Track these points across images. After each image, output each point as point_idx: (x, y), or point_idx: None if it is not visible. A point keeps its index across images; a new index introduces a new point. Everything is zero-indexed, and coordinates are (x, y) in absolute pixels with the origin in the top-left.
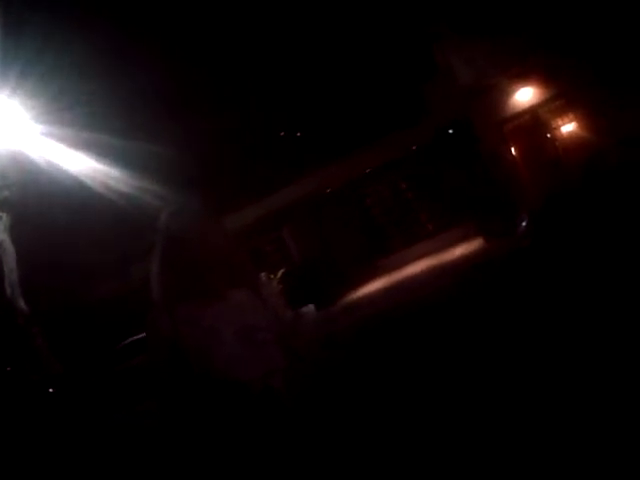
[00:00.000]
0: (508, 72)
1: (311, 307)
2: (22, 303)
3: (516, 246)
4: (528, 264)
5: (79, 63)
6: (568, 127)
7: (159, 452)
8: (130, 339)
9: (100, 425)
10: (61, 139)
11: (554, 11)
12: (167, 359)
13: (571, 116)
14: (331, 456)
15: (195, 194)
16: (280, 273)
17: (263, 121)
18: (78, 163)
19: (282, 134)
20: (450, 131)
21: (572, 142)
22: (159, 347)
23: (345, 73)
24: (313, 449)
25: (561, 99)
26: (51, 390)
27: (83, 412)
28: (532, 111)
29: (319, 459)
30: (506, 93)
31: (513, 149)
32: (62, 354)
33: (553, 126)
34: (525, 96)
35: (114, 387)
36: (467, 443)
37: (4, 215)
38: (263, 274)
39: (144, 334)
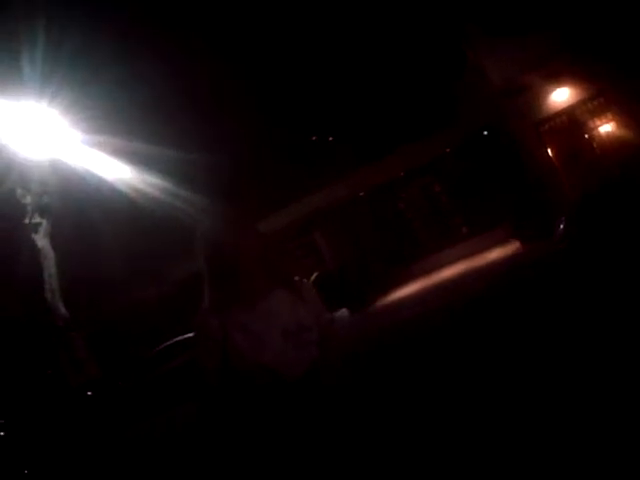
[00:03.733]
0: (542, 72)
1: (344, 311)
2: (62, 307)
3: (553, 250)
4: (565, 268)
5: (118, 72)
6: (606, 127)
7: (198, 454)
8: (168, 342)
9: (138, 428)
10: (100, 147)
11: (588, 8)
12: (216, 363)
13: (609, 116)
14: (363, 455)
15: (231, 200)
16: (313, 277)
17: (295, 126)
18: (116, 170)
19: (314, 139)
20: (485, 133)
21: (610, 143)
22: (208, 351)
23: (377, 77)
24: (348, 449)
25: (598, 99)
26: (89, 393)
27: (121, 415)
28: (569, 112)
29: (353, 458)
30: (541, 93)
31: (550, 151)
32: (101, 358)
33: (591, 127)
34: (561, 96)
35: (153, 390)
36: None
37: (44, 221)
38: (297, 277)
39: (181, 337)
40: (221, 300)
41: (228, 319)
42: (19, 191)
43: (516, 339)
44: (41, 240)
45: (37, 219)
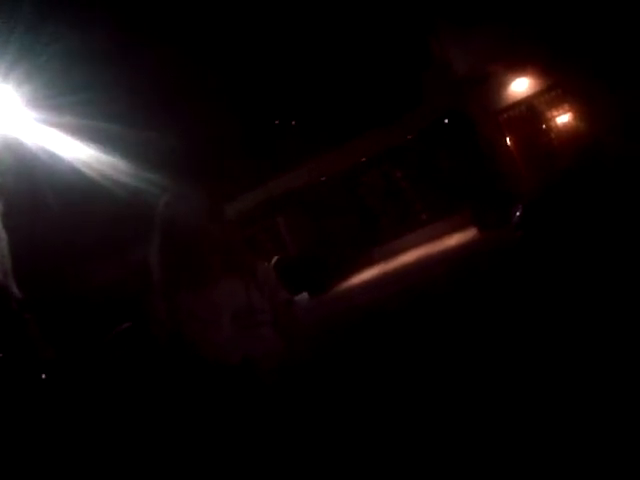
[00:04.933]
0: (504, 62)
1: (304, 295)
2: (15, 289)
3: (509, 237)
4: (520, 255)
5: (75, 48)
6: (563, 118)
7: (155, 437)
8: (126, 325)
9: (94, 410)
10: (56, 125)
11: (550, 1)
12: (164, 344)
13: (566, 107)
14: (314, 438)
15: (193, 181)
16: (273, 261)
17: (258, 109)
18: (73, 150)
19: (277, 122)
20: (446, 121)
21: (567, 133)
22: (156, 333)
23: (341, 62)
24: (299, 429)
25: (556, 90)
26: (43, 376)
27: (76, 398)
28: (528, 102)
29: (303, 441)
30: (502, 83)
31: (508, 139)
32: (56, 340)
33: (548, 117)
34: (521, 86)
35: (109, 372)
36: (459, 442)
37: None
38: (258, 260)
39: (141, 319)
40: (171, 282)
41: (176, 302)
42: None
43: (469, 323)
44: None
45: None
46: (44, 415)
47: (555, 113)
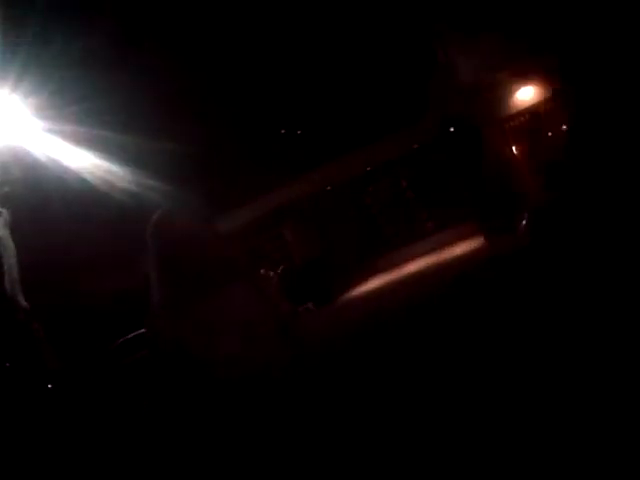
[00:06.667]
0: (510, 70)
1: (310, 305)
2: (22, 299)
3: (516, 245)
4: (528, 263)
5: (81, 59)
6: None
7: (162, 447)
8: (132, 334)
9: (101, 421)
10: (63, 135)
11: (557, 9)
12: (168, 358)
13: (573, 114)
14: (326, 447)
15: (188, 193)
16: (279, 270)
17: (264, 119)
18: (79, 159)
19: (283, 132)
20: (451, 129)
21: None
22: (159, 347)
23: (346, 71)
24: (309, 438)
25: (562, 97)
26: (50, 386)
27: (83, 408)
28: (534, 109)
29: (314, 449)
30: (508, 91)
31: (514, 147)
32: (63, 350)
33: (554, 125)
34: (527, 94)
35: (115, 382)
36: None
37: (4, 211)
38: (262, 270)
39: (144, 330)
40: (172, 296)
41: (180, 316)
42: None
43: (478, 333)
44: (1, 230)
45: None
46: (50, 425)
47: (562, 121)
